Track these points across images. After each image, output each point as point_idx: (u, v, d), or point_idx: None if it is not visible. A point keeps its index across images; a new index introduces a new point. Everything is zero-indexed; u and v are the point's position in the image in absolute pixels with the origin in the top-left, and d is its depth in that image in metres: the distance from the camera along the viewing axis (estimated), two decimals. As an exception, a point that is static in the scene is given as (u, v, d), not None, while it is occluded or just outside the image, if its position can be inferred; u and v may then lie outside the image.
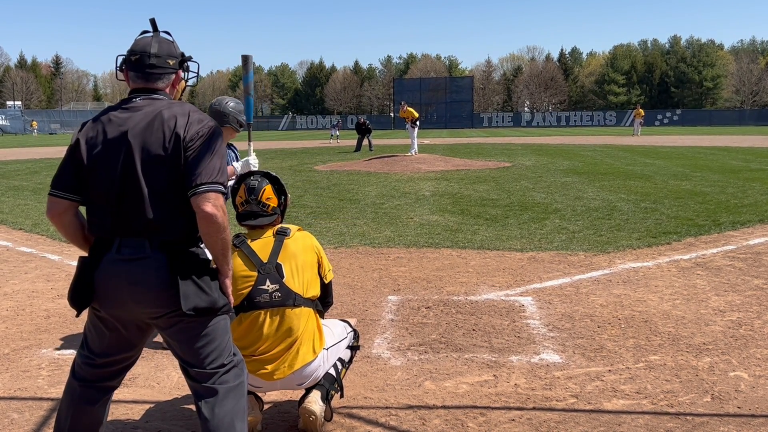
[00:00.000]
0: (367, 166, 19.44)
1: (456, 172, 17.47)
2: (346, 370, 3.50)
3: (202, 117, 2.51)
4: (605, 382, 3.82)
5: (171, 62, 2.60)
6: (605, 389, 3.73)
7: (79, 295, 2.49)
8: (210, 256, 2.53)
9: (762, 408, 3.46)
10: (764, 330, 4.67)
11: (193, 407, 3.44)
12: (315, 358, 3.23)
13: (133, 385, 3.87)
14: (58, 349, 4.56)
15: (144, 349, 2.79)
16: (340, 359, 3.42)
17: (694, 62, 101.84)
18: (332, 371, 3.35)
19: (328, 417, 3.29)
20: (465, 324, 4.88)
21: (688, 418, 3.37)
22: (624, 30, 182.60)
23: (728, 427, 3.26)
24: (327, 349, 3.31)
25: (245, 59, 5.01)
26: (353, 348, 3.55)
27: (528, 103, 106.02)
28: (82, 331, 2.72)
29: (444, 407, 3.53)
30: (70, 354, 4.39)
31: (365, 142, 29.40)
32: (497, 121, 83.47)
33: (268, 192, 3.29)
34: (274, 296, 3.15)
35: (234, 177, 4.48)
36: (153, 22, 2.65)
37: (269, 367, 3.15)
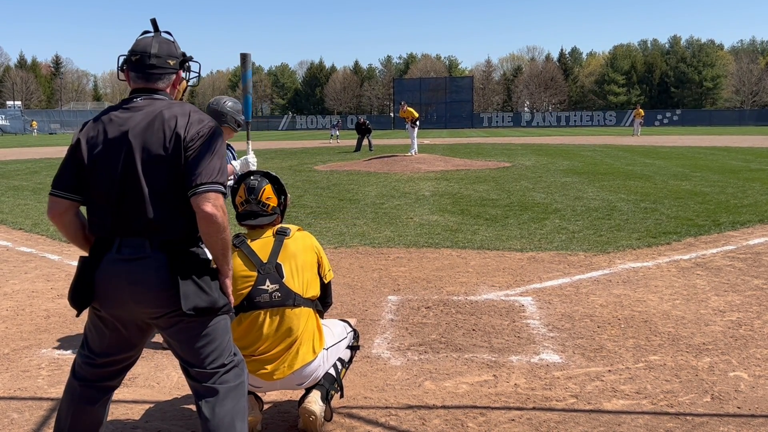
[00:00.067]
0: (367, 166, 19.44)
1: (456, 172, 17.48)
2: (346, 370, 3.50)
3: (202, 117, 2.52)
4: (605, 382, 3.83)
5: (171, 62, 2.60)
6: (605, 389, 3.73)
7: (79, 295, 2.50)
8: (210, 256, 2.53)
9: (762, 408, 3.46)
10: (764, 330, 4.67)
11: (193, 407, 3.45)
12: (315, 358, 3.23)
13: (133, 385, 3.87)
14: (58, 349, 4.56)
15: (144, 349, 2.79)
16: (340, 359, 3.42)
17: (694, 62, 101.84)
18: (332, 371, 3.35)
19: (328, 417, 3.29)
20: (465, 324, 4.88)
21: (687, 418, 3.37)
22: (624, 30, 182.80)
23: (728, 427, 3.27)
24: (327, 349, 3.32)
25: (244, 58, 5.01)
26: (353, 348, 3.55)
27: (528, 103, 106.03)
28: (81, 331, 2.73)
29: (444, 407, 3.53)
30: (70, 354, 4.39)
31: (365, 142, 29.41)
32: (497, 121, 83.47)
33: (267, 192, 3.29)
34: (274, 296, 3.16)
35: (233, 176, 4.49)
36: (154, 22, 2.65)
37: (269, 367, 3.15)
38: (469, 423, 3.35)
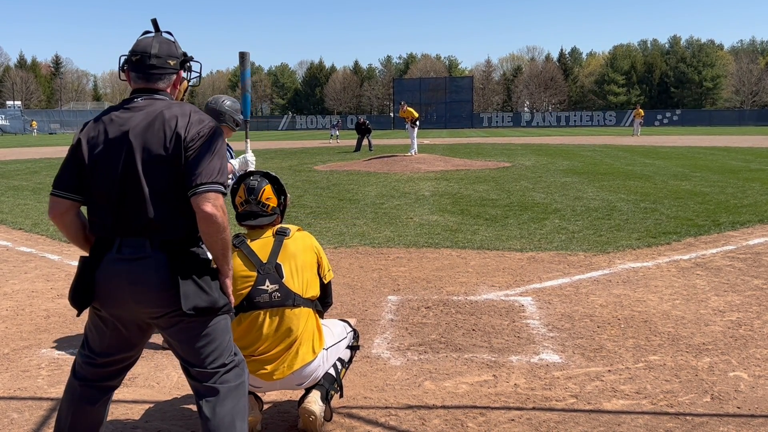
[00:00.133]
0: (366, 166, 19.45)
1: (456, 172, 17.48)
2: (346, 370, 3.50)
3: (202, 117, 2.52)
4: (605, 382, 3.83)
5: (172, 62, 2.60)
6: (605, 389, 3.73)
7: (79, 295, 2.50)
8: (210, 256, 2.54)
9: (761, 408, 3.46)
10: (764, 330, 4.67)
11: (192, 407, 3.45)
12: (314, 359, 3.23)
13: (133, 385, 3.87)
14: (58, 349, 4.56)
15: (144, 349, 2.79)
16: (339, 359, 3.42)
17: (693, 62, 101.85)
18: (332, 371, 3.35)
19: (328, 417, 3.29)
20: (465, 324, 4.88)
21: (687, 418, 3.37)
22: (624, 30, 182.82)
23: (728, 427, 3.27)
24: (326, 349, 3.32)
25: (242, 56, 5.02)
26: (353, 348, 3.56)
27: (528, 103, 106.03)
28: (81, 331, 2.73)
29: (444, 407, 3.53)
30: (70, 354, 4.39)
31: (365, 142, 29.41)
32: (497, 121, 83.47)
33: (267, 192, 3.29)
34: (274, 296, 3.16)
35: (231, 174, 4.49)
36: (154, 22, 2.65)
37: (269, 368, 3.15)
38: (469, 423, 3.35)
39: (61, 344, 4.65)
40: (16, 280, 6.50)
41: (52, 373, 4.12)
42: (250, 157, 4.84)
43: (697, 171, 16.42)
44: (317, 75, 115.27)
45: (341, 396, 3.45)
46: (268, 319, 3.15)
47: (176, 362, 2.64)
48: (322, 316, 3.41)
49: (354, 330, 3.60)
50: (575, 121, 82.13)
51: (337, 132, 42.67)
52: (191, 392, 2.65)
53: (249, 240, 3.26)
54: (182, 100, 2.74)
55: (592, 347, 4.38)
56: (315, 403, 3.21)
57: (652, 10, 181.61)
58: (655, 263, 6.67)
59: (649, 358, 4.18)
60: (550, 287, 5.84)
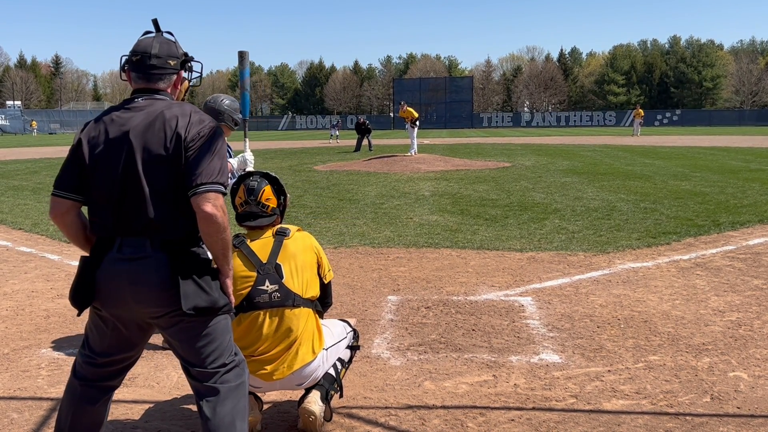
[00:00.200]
0: (366, 166, 19.45)
1: (456, 172, 17.48)
2: (346, 370, 3.50)
3: (203, 117, 2.53)
4: (605, 382, 3.83)
5: (172, 62, 2.61)
6: (605, 389, 3.73)
7: (80, 295, 2.50)
8: (211, 256, 2.54)
9: (761, 408, 3.47)
10: (764, 330, 4.67)
11: (192, 407, 3.45)
12: (314, 359, 3.23)
13: (133, 385, 3.88)
14: (57, 349, 4.56)
15: (144, 349, 2.79)
16: (339, 359, 3.43)
17: (693, 62, 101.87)
18: (332, 371, 3.35)
19: (328, 417, 3.29)
20: (464, 324, 4.89)
21: (687, 418, 3.37)
22: (624, 30, 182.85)
23: (728, 427, 3.27)
24: (326, 350, 3.32)
25: (242, 55, 5.03)
26: (353, 348, 3.56)
27: (528, 103, 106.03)
28: (81, 331, 2.73)
29: (443, 407, 3.53)
30: (70, 354, 4.39)
31: (365, 142, 29.41)
32: (497, 121, 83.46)
33: (267, 192, 3.29)
34: (274, 296, 3.16)
35: (231, 174, 4.49)
36: (155, 22, 2.66)
37: (268, 368, 3.16)
38: (469, 423, 3.35)
39: (61, 344, 4.65)
40: (16, 280, 6.50)
41: (52, 373, 4.12)
42: (249, 156, 4.85)
43: (697, 171, 16.43)
44: (317, 75, 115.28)
45: (341, 396, 3.46)
46: (267, 320, 3.15)
47: (176, 362, 2.64)
48: (321, 317, 3.41)
49: (354, 330, 3.60)
50: (575, 121, 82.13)
51: (337, 132, 42.66)
52: (191, 392, 2.65)
53: (249, 240, 3.26)
54: (183, 100, 2.74)
55: (592, 347, 4.38)
56: (315, 403, 3.21)
57: (652, 10, 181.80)
58: (655, 263, 6.67)
59: (649, 358, 4.19)
60: (550, 287, 5.84)
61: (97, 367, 2.63)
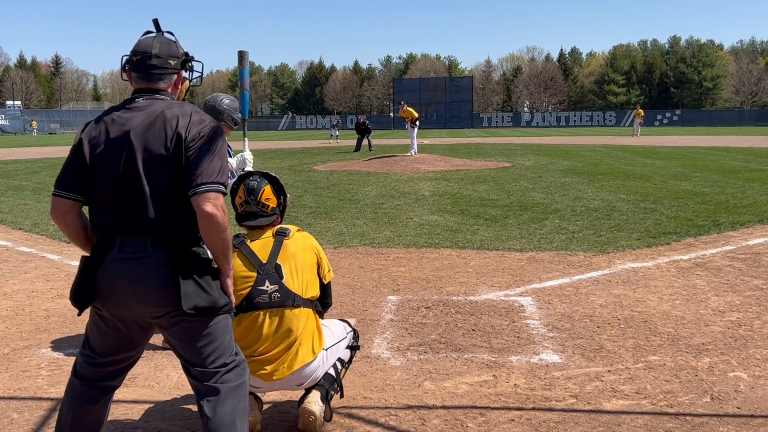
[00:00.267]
0: (366, 166, 19.45)
1: (456, 172, 17.48)
2: (346, 370, 3.50)
3: (203, 117, 2.53)
4: (605, 382, 3.83)
5: (172, 62, 2.61)
6: (605, 389, 3.73)
7: (81, 295, 2.51)
8: (211, 256, 2.54)
9: (761, 408, 3.47)
10: (764, 330, 4.67)
11: (192, 407, 3.45)
12: (314, 359, 3.23)
13: (133, 385, 3.87)
14: (57, 349, 4.56)
15: (144, 349, 2.79)
16: (339, 359, 3.43)
17: (693, 62, 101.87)
18: (332, 371, 3.35)
19: (328, 417, 3.29)
20: (464, 324, 4.89)
21: (687, 418, 3.37)
22: (624, 30, 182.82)
23: (728, 427, 3.27)
24: (326, 350, 3.32)
25: (241, 55, 5.04)
26: (353, 348, 3.56)
27: (528, 103, 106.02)
28: (82, 331, 2.74)
29: (443, 407, 3.53)
30: (70, 354, 4.39)
31: (365, 142, 29.41)
32: (497, 121, 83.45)
33: (267, 192, 3.29)
34: (274, 297, 3.16)
35: (230, 173, 4.49)
36: (156, 22, 2.66)
37: (268, 368, 3.16)
38: (469, 423, 3.35)
39: (61, 344, 4.65)
40: (16, 280, 6.50)
41: (52, 373, 4.12)
42: (248, 155, 4.85)
43: (696, 171, 16.43)
44: (317, 75, 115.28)
45: (341, 396, 3.46)
46: (267, 320, 3.15)
47: (176, 362, 2.64)
48: (321, 317, 3.41)
49: (354, 330, 3.61)
50: (575, 121, 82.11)
51: (337, 132, 42.66)
52: (191, 392, 2.65)
53: (249, 240, 3.26)
54: (183, 100, 2.75)
55: (592, 347, 4.38)
56: (315, 403, 3.21)
57: (652, 10, 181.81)
58: (654, 263, 6.67)
59: (649, 358, 4.19)
60: (549, 287, 5.84)
61: (98, 367, 2.63)
